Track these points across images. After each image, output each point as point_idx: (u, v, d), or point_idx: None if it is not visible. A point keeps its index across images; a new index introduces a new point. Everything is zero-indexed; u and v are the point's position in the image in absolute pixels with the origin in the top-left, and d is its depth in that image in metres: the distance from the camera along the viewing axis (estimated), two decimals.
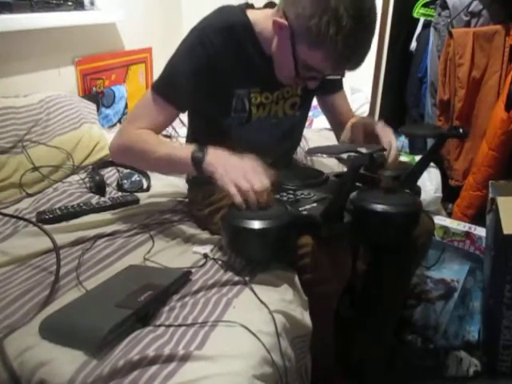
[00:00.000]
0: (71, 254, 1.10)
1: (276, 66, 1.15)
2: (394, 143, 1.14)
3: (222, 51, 1.11)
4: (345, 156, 0.95)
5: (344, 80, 1.35)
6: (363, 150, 0.95)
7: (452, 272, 1.61)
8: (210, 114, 1.22)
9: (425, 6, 2.05)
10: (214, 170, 1.02)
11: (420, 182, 1.24)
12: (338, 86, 1.37)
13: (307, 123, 1.45)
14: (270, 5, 1.19)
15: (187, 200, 1.39)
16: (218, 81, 1.14)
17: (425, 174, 1.25)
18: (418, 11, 2.06)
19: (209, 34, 1.10)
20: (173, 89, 1.13)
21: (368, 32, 1.03)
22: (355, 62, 1.05)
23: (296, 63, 1.07)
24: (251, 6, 1.21)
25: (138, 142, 1.13)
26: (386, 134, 1.16)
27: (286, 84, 1.20)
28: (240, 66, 1.15)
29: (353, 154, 0.95)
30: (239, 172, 1.00)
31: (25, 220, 1.23)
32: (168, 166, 1.15)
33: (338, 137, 1.42)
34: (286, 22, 1.04)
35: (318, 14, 0.97)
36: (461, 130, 1.16)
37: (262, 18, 1.15)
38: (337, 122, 1.42)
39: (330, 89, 1.36)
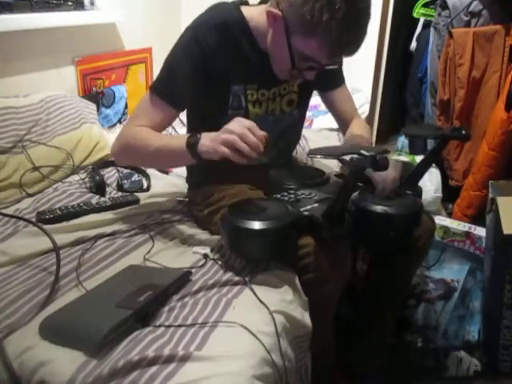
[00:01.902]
0: (71, 254, 1.10)
1: (272, 60, 1.15)
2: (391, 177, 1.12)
3: (217, 48, 1.11)
4: (347, 158, 0.95)
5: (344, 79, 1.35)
6: (365, 152, 0.94)
7: (452, 272, 1.61)
8: (207, 112, 1.22)
9: (425, 5, 2.05)
10: (207, 149, 1.01)
11: (420, 182, 1.23)
12: (336, 81, 1.36)
13: (307, 123, 1.45)
14: (264, 1, 1.19)
15: (187, 200, 1.39)
16: (214, 78, 1.14)
17: (425, 175, 1.24)
18: (418, 11, 2.06)
19: (203, 32, 1.10)
20: (169, 88, 1.13)
21: (362, 16, 1.01)
22: (351, 47, 1.03)
23: (292, 55, 1.06)
24: (245, 3, 1.21)
25: (136, 138, 1.13)
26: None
27: (283, 79, 1.20)
28: (236, 62, 1.15)
29: (355, 155, 0.94)
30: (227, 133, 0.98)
31: (25, 220, 1.23)
32: (166, 157, 1.15)
33: (343, 134, 1.40)
34: (279, 13, 1.04)
35: (310, 0, 0.96)
36: (463, 132, 1.15)
37: (256, 13, 1.15)
38: (339, 119, 1.41)
39: (328, 85, 1.35)
